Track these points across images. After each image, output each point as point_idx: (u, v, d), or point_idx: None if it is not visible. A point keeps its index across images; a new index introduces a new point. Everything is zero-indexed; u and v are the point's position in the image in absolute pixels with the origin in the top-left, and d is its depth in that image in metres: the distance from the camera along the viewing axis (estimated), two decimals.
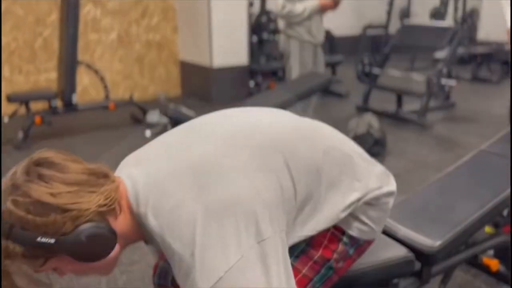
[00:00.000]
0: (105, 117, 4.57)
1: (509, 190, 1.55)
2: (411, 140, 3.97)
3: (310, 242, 1.03)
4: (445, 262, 1.46)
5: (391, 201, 1.12)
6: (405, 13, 7.88)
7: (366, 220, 1.07)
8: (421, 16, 7.76)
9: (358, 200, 1.03)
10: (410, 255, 1.33)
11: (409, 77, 5.01)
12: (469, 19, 6.79)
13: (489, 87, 6.03)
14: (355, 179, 1.03)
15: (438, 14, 7.43)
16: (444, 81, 4.39)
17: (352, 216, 1.05)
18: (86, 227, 0.81)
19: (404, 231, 1.41)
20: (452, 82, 4.47)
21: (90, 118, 4.55)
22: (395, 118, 4.55)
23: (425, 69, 5.94)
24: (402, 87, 4.74)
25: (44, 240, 0.79)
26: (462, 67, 6.63)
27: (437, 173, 1.80)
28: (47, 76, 4.88)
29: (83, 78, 4.99)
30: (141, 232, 0.92)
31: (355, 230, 1.07)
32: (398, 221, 1.45)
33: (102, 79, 4.38)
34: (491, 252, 1.95)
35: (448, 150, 3.71)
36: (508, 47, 6.04)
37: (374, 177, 1.07)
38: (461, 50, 5.96)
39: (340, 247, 1.06)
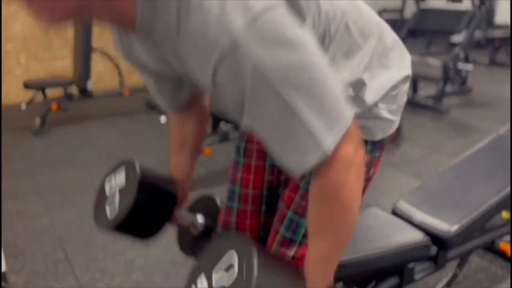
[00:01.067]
0: (120, 103, 4.61)
1: None
2: (427, 126, 3.94)
3: None
4: (461, 247, 1.46)
5: (406, 86, 1.12)
6: None
7: (388, 116, 1.02)
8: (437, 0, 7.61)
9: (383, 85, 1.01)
10: (426, 239, 1.33)
11: (425, 62, 4.94)
12: (487, 2, 6.63)
13: (507, 72, 5.92)
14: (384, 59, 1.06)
15: None
16: (461, 65, 4.33)
17: (376, 117, 1.00)
18: None
19: (420, 216, 1.41)
20: (469, 67, 4.40)
21: (105, 104, 4.59)
22: (411, 104, 4.50)
23: (441, 53, 5.85)
24: (418, 72, 4.68)
25: None
26: (479, 51, 6.52)
27: (453, 159, 1.78)
28: (63, 63, 4.93)
29: (98, 65, 5.01)
30: (132, 23, 0.83)
31: (378, 134, 1.02)
32: (415, 206, 1.46)
33: (116, 65, 4.41)
34: (507, 237, 1.94)
35: (464, 136, 3.67)
36: None
37: (403, 64, 1.10)
38: (478, 34, 5.85)
39: (367, 157, 1.00)
